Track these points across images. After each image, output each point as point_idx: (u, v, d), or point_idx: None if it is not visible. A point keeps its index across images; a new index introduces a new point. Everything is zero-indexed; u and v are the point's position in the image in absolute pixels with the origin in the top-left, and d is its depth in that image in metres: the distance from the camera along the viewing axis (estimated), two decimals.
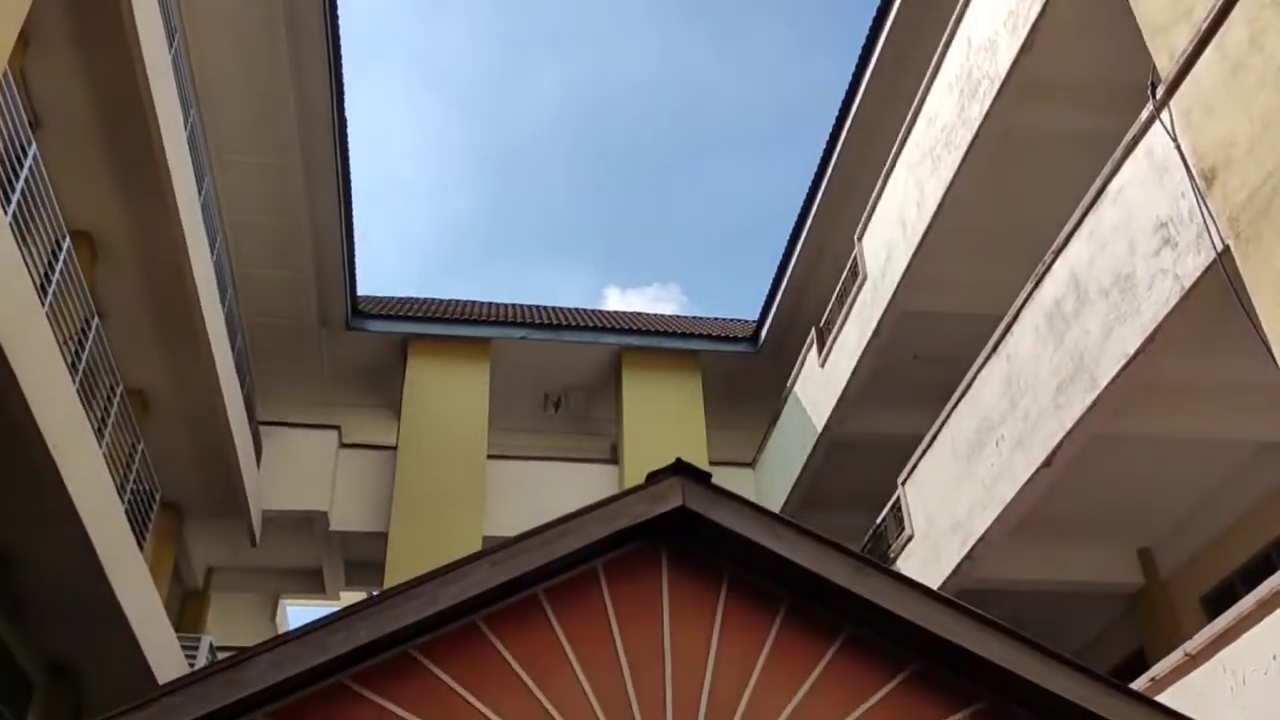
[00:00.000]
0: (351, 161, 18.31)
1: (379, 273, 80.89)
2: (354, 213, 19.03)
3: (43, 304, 9.14)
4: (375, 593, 6.33)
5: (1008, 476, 11.48)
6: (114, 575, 10.27)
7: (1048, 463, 10.82)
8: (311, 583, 21.63)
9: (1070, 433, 10.46)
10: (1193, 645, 8.53)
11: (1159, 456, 11.30)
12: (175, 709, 5.25)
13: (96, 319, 11.25)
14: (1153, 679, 8.90)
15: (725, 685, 6.19)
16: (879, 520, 15.04)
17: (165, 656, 12.28)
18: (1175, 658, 8.68)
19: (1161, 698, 7.74)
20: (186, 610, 19.35)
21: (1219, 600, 10.48)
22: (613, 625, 6.32)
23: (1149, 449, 11.21)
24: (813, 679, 6.28)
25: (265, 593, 23.47)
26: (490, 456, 20.01)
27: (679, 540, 6.62)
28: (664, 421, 20.48)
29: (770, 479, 19.79)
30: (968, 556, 12.38)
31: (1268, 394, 9.99)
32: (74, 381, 9.64)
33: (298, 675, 5.59)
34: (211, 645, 15.47)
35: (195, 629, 17.89)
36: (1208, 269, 8.70)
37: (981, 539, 12.09)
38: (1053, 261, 11.13)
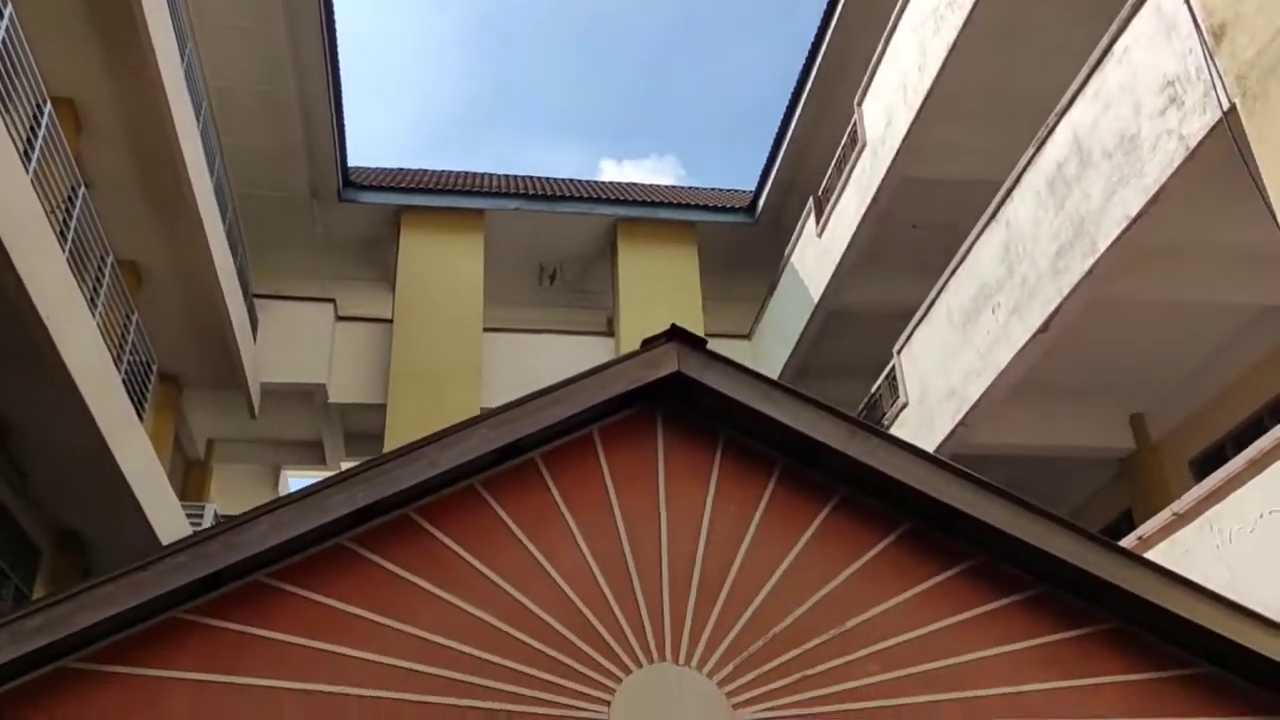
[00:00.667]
0: (340, 31, 17.83)
1: (372, 147, 79.61)
2: (343, 83, 18.62)
3: (26, 171, 8.98)
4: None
5: (1004, 343, 11.50)
6: (115, 444, 10.35)
7: (1044, 328, 10.82)
8: (312, 454, 21.89)
9: (1068, 297, 10.43)
10: (1181, 505, 8.67)
11: (1156, 321, 11.31)
12: (179, 568, 5.34)
13: (83, 188, 11.07)
14: (1140, 538, 9.07)
15: (720, 545, 6.30)
16: (874, 389, 15.13)
17: (170, 525, 12.48)
18: (1163, 517, 8.84)
19: (1148, 555, 7.88)
20: (190, 481, 19.63)
21: (1208, 463, 10.62)
22: (609, 488, 6.40)
23: (1146, 313, 11.21)
24: (806, 538, 6.39)
25: (267, 464, 23.79)
26: (486, 330, 20.02)
27: (674, 406, 6.65)
28: (660, 293, 20.42)
29: (766, 350, 19.85)
30: (961, 423, 12.50)
31: (1269, 257, 9.94)
32: (63, 250, 9.54)
33: (298, 537, 5.67)
34: (216, 514, 15.73)
35: (199, 499, 18.17)
36: (1213, 128, 8.55)
37: (975, 405, 12.18)
38: (1055, 124, 10.94)
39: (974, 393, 12.13)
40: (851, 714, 6.04)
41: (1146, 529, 9.11)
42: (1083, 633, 6.32)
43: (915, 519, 6.50)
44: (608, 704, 5.85)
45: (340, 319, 20.20)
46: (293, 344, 19.49)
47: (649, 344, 6.47)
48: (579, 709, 5.82)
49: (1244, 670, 6.26)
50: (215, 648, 5.58)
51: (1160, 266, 10.47)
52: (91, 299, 10.19)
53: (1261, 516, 7.66)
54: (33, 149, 9.45)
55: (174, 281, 14.66)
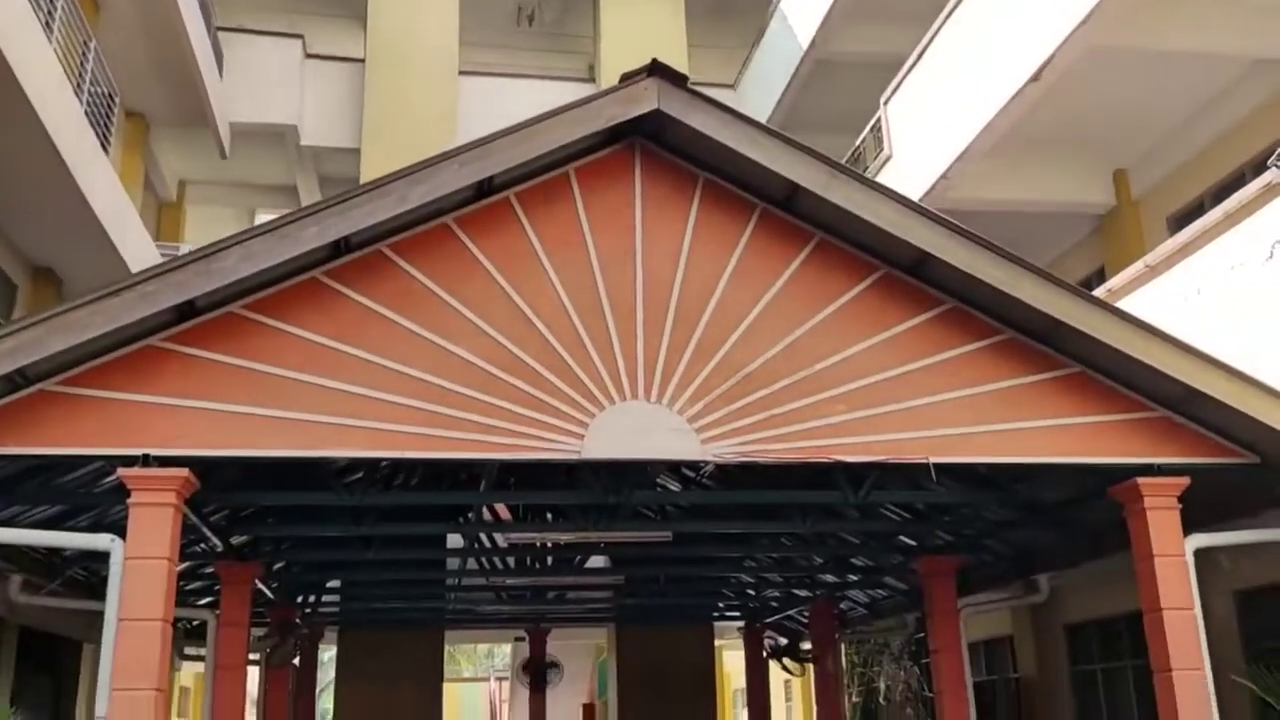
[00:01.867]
0: None
1: None
2: None
3: None
4: None
5: (992, 93, 11.21)
6: (81, 177, 10.10)
7: (1035, 77, 10.52)
8: (287, 198, 21.56)
9: (1062, 45, 10.08)
10: (1153, 257, 8.71)
11: (1148, 71, 10.97)
12: (148, 297, 5.32)
13: None
14: (1110, 290, 9.17)
15: (695, 287, 6.32)
16: (858, 141, 14.87)
17: (145, 262, 12.39)
18: (1135, 269, 8.89)
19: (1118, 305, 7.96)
20: (164, 223, 19.39)
21: (1186, 219, 10.59)
22: (585, 228, 6.34)
23: (1139, 63, 10.86)
24: (781, 282, 6.42)
25: (241, 208, 23.46)
26: (462, 73, 19.38)
27: (654, 145, 6.50)
28: (643, 38, 19.64)
29: (750, 100, 19.32)
30: (943, 176, 12.34)
31: (1266, 5, 9.61)
32: None
33: (271, 268, 5.63)
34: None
35: (174, 241, 18.00)
36: None
37: (960, 158, 12.00)
38: None
39: (958, 145, 11.92)
40: (816, 450, 6.27)
41: (1116, 281, 9.18)
42: (1045, 377, 6.49)
43: (888, 265, 6.52)
44: (581, 438, 6.03)
45: (309, 57, 19.42)
46: (260, 82, 18.78)
47: (628, 79, 6.24)
48: (554, 442, 6.01)
49: (1200, 416, 6.48)
50: (193, 376, 5.66)
51: (1160, 11, 10.09)
52: (47, 23, 9.69)
53: (1233, 269, 7.72)
54: None
55: (132, 7, 13.94)
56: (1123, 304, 8.14)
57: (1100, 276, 12.52)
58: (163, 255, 13.07)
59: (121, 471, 5.59)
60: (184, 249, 15.14)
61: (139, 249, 12.40)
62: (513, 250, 6.20)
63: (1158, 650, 6.38)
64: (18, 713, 8.47)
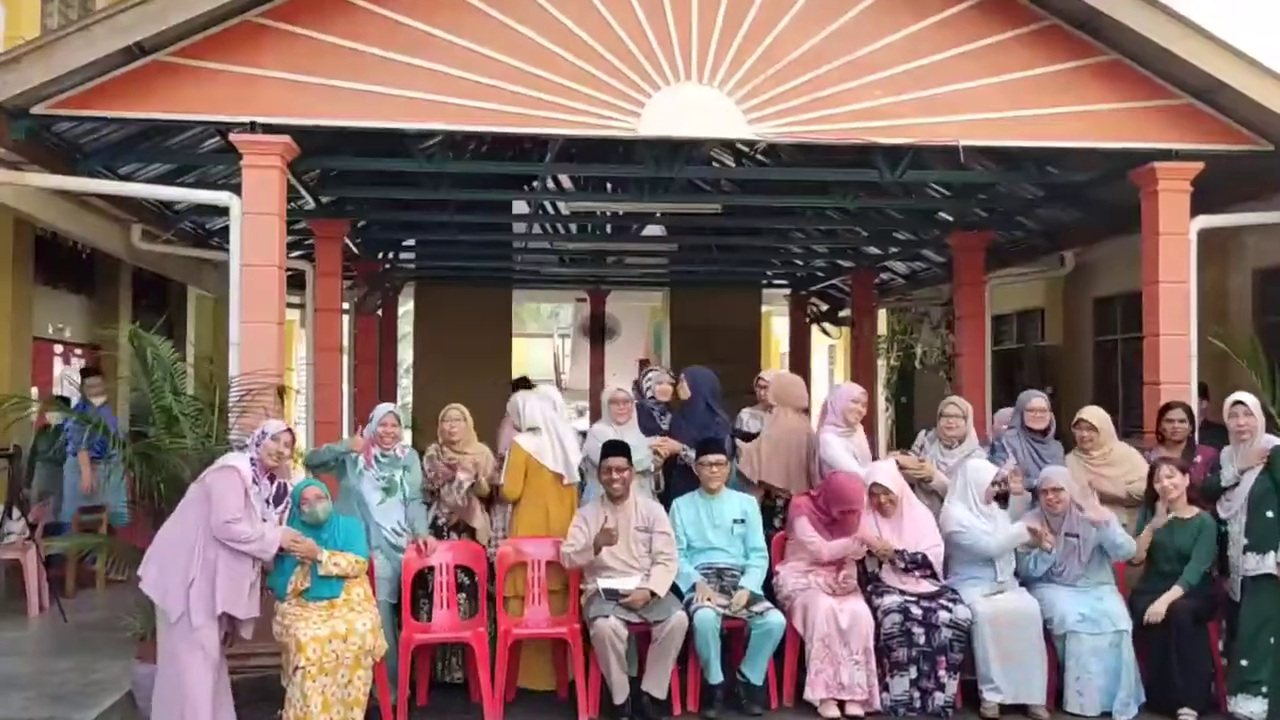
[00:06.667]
0: None
1: None
2: None
3: None
4: None
5: None
6: None
7: None
8: None
9: None
10: None
11: None
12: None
13: None
14: None
15: None
16: None
17: None
18: None
19: None
20: None
21: None
22: None
23: None
24: None
25: None
26: None
27: None
28: None
29: None
30: None
31: None
32: None
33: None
34: None
35: None
36: None
37: None
38: None
39: None
40: (855, 133, 6.79)
41: None
42: (1080, 64, 6.82)
43: None
44: (638, 116, 6.59)
45: None
46: None
47: None
48: (611, 120, 6.58)
49: (1221, 104, 6.84)
50: (288, 51, 6.24)
51: None
52: None
53: None
54: None
55: None
56: None
57: None
58: None
59: (234, 136, 6.33)
60: None
61: None
62: None
63: (1150, 318, 7.14)
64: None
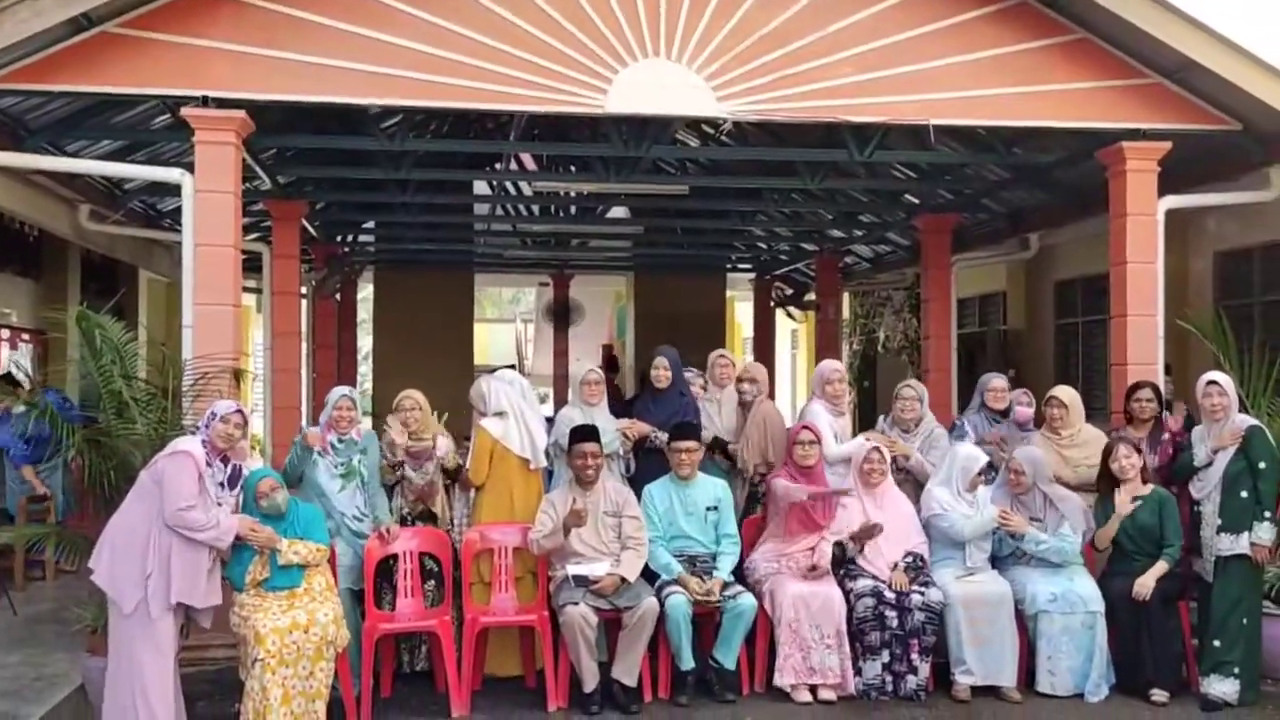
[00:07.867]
0: None
1: None
2: None
3: None
4: None
5: None
6: None
7: None
8: None
9: None
10: None
11: None
12: None
13: None
14: None
15: None
16: None
17: None
18: None
19: None
20: None
21: None
22: None
23: None
24: None
25: None
26: None
27: None
28: None
29: None
30: None
31: None
32: None
33: None
34: None
35: None
36: None
37: None
38: None
39: None
40: (824, 110, 6.70)
41: None
42: (1048, 43, 6.76)
43: None
44: (605, 93, 6.45)
45: None
46: None
47: None
48: (578, 96, 6.44)
49: (1191, 84, 6.82)
50: (244, 23, 6.03)
51: None
52: None
53: None
54: None
55: None
56: None
57: None
58: None
59: (185, 111, 6.12)
60: None
61: None
62: None
63: (1118, 298, 7.12)
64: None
